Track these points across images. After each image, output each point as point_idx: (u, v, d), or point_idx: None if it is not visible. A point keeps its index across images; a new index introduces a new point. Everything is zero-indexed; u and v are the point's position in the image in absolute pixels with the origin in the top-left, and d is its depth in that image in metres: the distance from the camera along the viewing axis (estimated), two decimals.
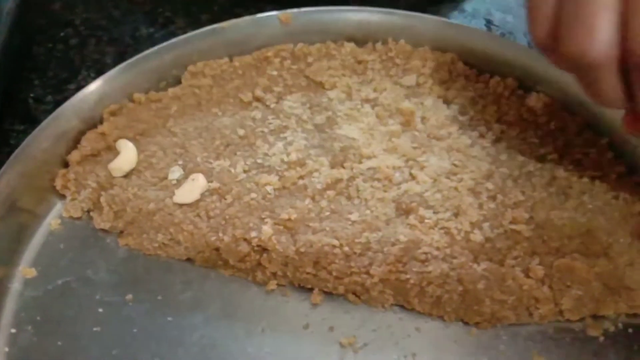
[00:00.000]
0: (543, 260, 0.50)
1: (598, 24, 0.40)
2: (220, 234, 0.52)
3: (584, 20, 0.40)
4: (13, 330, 0.51)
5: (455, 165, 0.55)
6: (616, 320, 0.50)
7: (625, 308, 0.50)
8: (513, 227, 0.51)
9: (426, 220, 0.52)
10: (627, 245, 0.51)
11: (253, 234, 0.52)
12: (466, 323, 0.51)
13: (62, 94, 0.67)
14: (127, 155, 0.57)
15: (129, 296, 0.52)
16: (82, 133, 0.59)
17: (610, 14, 0.40)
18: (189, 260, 0.54)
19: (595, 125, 0.58)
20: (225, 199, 0.54)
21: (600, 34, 0.40)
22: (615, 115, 0.56)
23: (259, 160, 0.56)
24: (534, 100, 0.59)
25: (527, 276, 0.50)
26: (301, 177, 0.55)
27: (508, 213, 0.52)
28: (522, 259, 0.51)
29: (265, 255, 0.52)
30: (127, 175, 0.56)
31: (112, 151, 0.58)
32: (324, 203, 0.53)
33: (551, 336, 0.50)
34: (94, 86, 0.60)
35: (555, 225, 0.52)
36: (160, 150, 0.58)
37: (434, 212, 0.52)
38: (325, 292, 0.52)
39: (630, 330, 0.50)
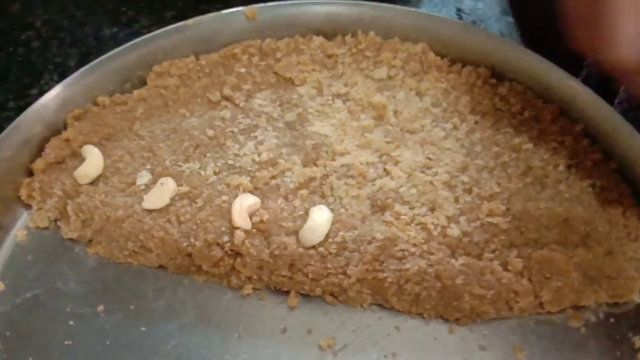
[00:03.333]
0: (521, 252, 0.50)
1: None
2: (192, 240, 0.51)
3: None
4: None
5: (429, 158, 0.54)
6: (597, 311, 0.50)
7: (605, 297, 0.49)
8: (490, 220, 0.51)
9: (402, 217, 0.51)
10: (606, 233, 0.51)
11: (226, 238, 0.50)
12: (446, 320, 0.50)
13: (24, 99, 0.66)
14: (93, 161, 0.55)
15: (101, 307, 0.51)
16: (45, 140, 0.57)
17: None
18: (161, 267, 0.53)
19: (570, 112, 0.57)
20: (196, 203, 0.53)
21: None
22: (589, 101, 0.56)
23: (230, 161, 0.55)
24: (507, 89, 0.58)
25: (506, 269, 0.49)
26: (273, 177, 0.54)
27: (484, 206, 0.51)
28: (500, 252, 0.50)
29: (239, 259, 0.50)
30: (93, 182, 0.55)
31: (78, 158, 0.56)
32: (297, 203, 0.52)
33: (532, 329, 0.49)
34: (56, 91, 0.58)
35: (532, 216, 0.51)
36: (127, 154, 0.56)
37: (410, 208, 0.51)
38: (302, 294, 0.51)
39: (611, 319, 0.50)
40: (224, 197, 0.52)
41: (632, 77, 0.44)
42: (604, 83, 0.76)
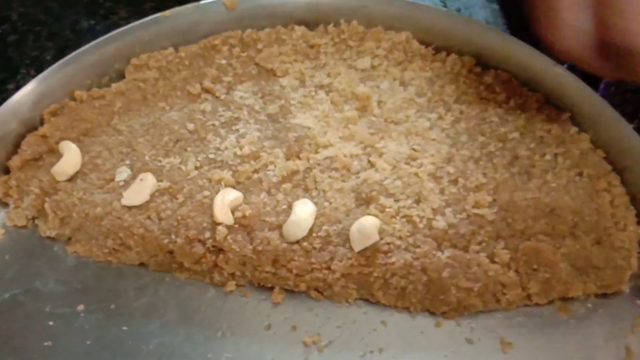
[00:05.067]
0: (508, 243, 0.49)
1: None
2: (173, 236, 0.50)
3: None
4: None
5: (414, 150, 0.53)
6: (586, 302, 0.50)
7: (594, 288, 0.49)
8: (476, 211, 0.50)
9: (387, 210, 0.50)
10: (594, 223, 0.50)
11: (207, 234, 0.49)
12: (433, 313, 0.49)
13: (0, 94, 0.64)
14: (70, 157, 0.54)
15: (81, 306, 0.50)
16: (21, 136, 0.56)
17: None
18: (142, 264, 0.52)
19: (557, 100, 0.56)
20: (177, 199, 0.51)
21: None
22: (576, 89, 0.55)
23: (211, 156, 0.54)
24: (493, 78, 0.57)
25: (493, 261, 0.48)
26: (256, 171, 0.53)
27: (470, 197, 0.50)
28: (487, 243, 0.49)
29: (221, 255, 0.49)
30: (71, 179, 0.54)
31: (55, 154, 0.55)
32: (280, 197, 0.51)
33: (520, 322, 0.49)
34: (32, 86, 0.57)
35: (519, 206, 0.50)
36: (106, 150, 0.55)
37: (395, 200, 0.51)
38: (287, 290, 0.50)
39: (600, 310, 0.49)
40: (206, 192, 0.51)
41: (582, 65, 0.46)
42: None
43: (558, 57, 0.45)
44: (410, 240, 0.49)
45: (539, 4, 0.43)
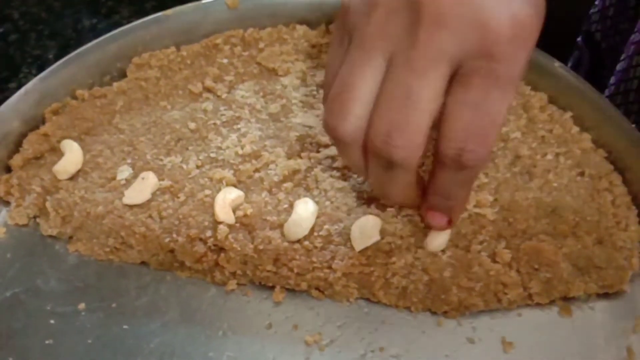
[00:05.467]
0: (509, 243, 0.49)
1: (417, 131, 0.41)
2: (175, 235, 0.50)
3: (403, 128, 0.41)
4: None
5: None
6: (587, 302, 0.49)
7: (595, 288, 0.49)
8: (477, 210, 0.50)
9: (388, 209, 0.50)
10: (596, 223, 0.50)
11: (209, 233, 0.49)
12: (434, 313, 0.49)
13: (2, 93, 0.65)
14: (72, 156, 0.54)
15: (82, 305, 0.50)
16: (23, 135, 0.56)
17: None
18: (143, 263, 0.52)
19: (559, 100, 0.56)
20: (178, 198, 0.51)
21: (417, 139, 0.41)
22: (578, 88, 0.55)
23: (212, 155, 0.54)
24: None
25: (494, 261, 0.48)
26: (257, 170, 0.53)
27: (471, 196, 0.50)
28: (488, 243, 0.49)
29: (222, 254, 0.49)
30: (73, 178, 0.54)
31: (56, 153, 0.55)
32: (281, 196, 0.51)
33: (521, 321, 0.49)
34: (33, 84, 0.57)
35: (520, 206, 0.50)
36: (107, 149, 0.55)
37: None
38: (288, 289, 0.50)
39: (601, 310, 0.49)
40: (207, 191, 0.51)
41: (343, 151, 0.46)
42: (594, 69, 0.76)
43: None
44: (412, 240, 0.49)
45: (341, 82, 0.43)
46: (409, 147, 0.41)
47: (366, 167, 0.45)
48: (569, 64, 0.79)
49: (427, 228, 0.48)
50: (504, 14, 0.38)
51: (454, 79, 0.40)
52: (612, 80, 0.69)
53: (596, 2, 0.77)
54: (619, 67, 0.68)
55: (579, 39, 0.78)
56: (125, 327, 0.49)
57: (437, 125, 0.42)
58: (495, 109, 0.40)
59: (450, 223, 0.47)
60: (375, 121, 0.42)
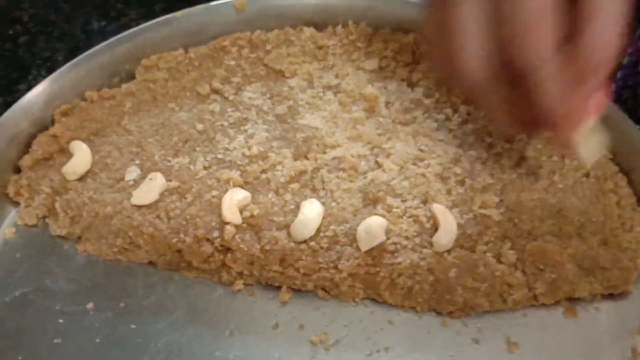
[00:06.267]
0: (515, 244, 0.49)
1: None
2: (182, 235, 0.50)
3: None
4: None
5: (421, 150, 0.53)
6: (592, 302, 0.49)
7: (600, 289, 0.49)
8: (483, 211, 0.50)
9: (394, 210, 0.50)
10: (600, 224, 0.50)
11: (216, 233, 0.50)
12: (439, 313, 0.49)
13: (12, 95, 0.65)
14: (80, 157, 0.54)
15: (90, 304, 0.50)
16: (32, 136, 0.57)
17: None
18: (150, 263, 0.52)
19: None
20: (186, 198, 0.52)
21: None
22: None
23: (220, 156, 0.54)
24: None
25: (499, 262, 0.48)
26: (264, 171, 0.53)
27: (477, 197, 0.51)
28: (494, 244, 0.49)
29: (229, 255, 0.50)
30: (82, 178, 0.54)
31: (65, 154, 0.55)
32: (288, 197, 0.51)
33: (526, 322, 0.49)
34: (43, 86, 0.57)
35: (525, 207, 0.50)
36: (116, 150, 0.55)
37: (402, 201, 0.51)
38: (294, 289, 0.50)
39: (606, 311, 0.49)
40: (214, 192, 0.52)
41: (481, 96, 0.46)
42: None
43: (459, 85, 0.46)
44: (417, 240, 0.49)
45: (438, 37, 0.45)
46: (543, 51, 0.41)
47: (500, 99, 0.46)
48: None
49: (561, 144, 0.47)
50: None
51: None
52: (619, 74, 0.69)
53: None
54: (625, 61, 0.68)
55: None
56: (132, 326, 0.49)
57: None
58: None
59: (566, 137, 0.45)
60: (501, 40, 0.43)
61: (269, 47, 0.61)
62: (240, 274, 0.51)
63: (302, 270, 0.49)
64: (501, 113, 0.47)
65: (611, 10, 0.40)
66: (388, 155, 0.53)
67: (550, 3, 0.40)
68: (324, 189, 0.52)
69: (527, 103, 0.44)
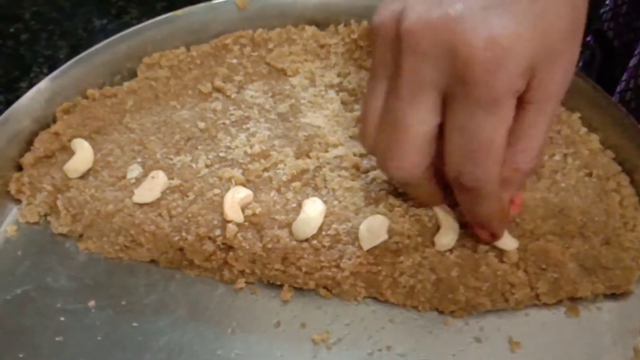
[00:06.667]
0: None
1: (407, 153, 0.43)
2: (184, 234, 0.50)
3: (395, 151, 0.43)
4: None
5: None
6: (594, 302, 0.49)
7: (602, 289, 0.49)
8: None
9: (396, 209, 0.50)
10: (603, 223, 0.50)
11: (217, 231, 0.50)
12: (441, 312, 0.49)
13: (14, 92, 0.65)
14: (82, 155, 0.54)
15: (91, 302, 0.50)
16: (34, 134, 0.57)
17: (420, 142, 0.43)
18: (152, 261, 0.52)
19: (567, 101, 0.56)
20: (188, 196, 0.52)
21: (409, 161, 0.43)
22: (586, 89, 0.55)
23: (222, 154, 0.54)
24: None
25: (501, 261, 0.48)
26: (266, 169, 0.53)
27: None
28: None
29: (231, 253, 0.50)
30: (83, 176, 0.54)
31: (67, 151, 0.55)
32: (290, 195, 0.51)
33: (528, 321, 0.49)
34: (45, 84, 0.57)
35: (528, 206, 0.50)
36: (118, 148, 0.55)
37: (404, 200, 0.51)
38: (296, 288, 0.50)
39: (608, 311, 0.49)
40: (216, 190, 0.52)
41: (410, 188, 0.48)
42: (606, 68, 0.76)
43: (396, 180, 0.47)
44: (419, 239, 0.49)
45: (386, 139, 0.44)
46: (404, 167, 0.43)
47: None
48: (580, 64, 0.79)
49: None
50: (479, 37, 0.37)
51: (445, 103, 0.41)
52: (625, 76, 0.69)
53: (607, 2, 0.77)
54: (631, 62, 0.68)
55: (588, 38, 0.78)
56: (134, 324, 0.49)
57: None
58: (483, 130, 0.40)
59: (494, 237, 0.47)
60: (375, 146, 0.45)
61: (271, 45, 0.61)
62: (242, 272, 0.50)
63: (304, 269, 0.49)
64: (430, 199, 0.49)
65: (539, 130, 0.42)
66: None
67: (504, 132, 0.41)
68: (326, 187, 0.52)
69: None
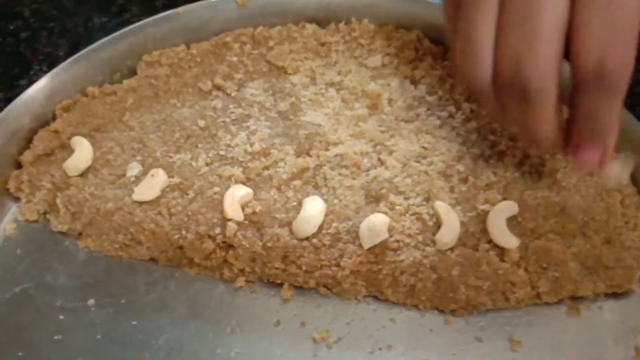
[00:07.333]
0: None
1: (545, 48, 0.39)
2: (184, 232, 0.50)
3: (529, 49, 0.40)
4: None
5: (424, 148, 0.53)
6: (595, 301, 0.49)
7: (603, 288, 0.49)
8: (486, 209, 0.50)
9: (397, 207, 0.50)
10: (604, 222, 0.50)
11: (217, 230, 0.49)
12: (442, 311, 0.49)
13: (13, 90, 0.64)
14: (82, 153, 0.54)
15: (91, 301, 0.50)
16: (34, 132, 0.56)
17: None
18: (152, 260, 0.52)
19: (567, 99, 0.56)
20: (187, 195, 0.52)
21: (546, 56, 0.40)
22: None
23: (222, 152, 0.54)
24: None
25: (502, 260, 0.48)
26: (266, 168, 0.53)
27: (480, 195, 0.50)
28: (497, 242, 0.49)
29: (231, 251, 0.50)
30: (83, 174, 0.54)
31: (67, 149, 0.55)
32: (290, 193, 0.51)
33: (529, 320, 0.49)
34: (44, 82, 0.57)
35: (529, 205, 0.50)
36: (117, 146, 0.55)
37: (405, 198, 0.51)
38: (296, 287, 0.50)
39: (609, 310, 0.49)
40: (216, 189, 0.51)
41: (481, 97, 0.45)
42: None
43: (466, 85, 0.45)
44: (420, 238, 0.49)
45: (459, 33, 0.43)
46: (542, 76, 0.40)
47: (504, 108, 0.44)
48: None
49: (580, 167, 0.46)
50: None
51: None
52: None
53: None
54: None
55: None
56: (134, 322, 0.49)
57: (570, 48, 0.40)
58: (627, 3, 0.37)
59: (604, 156, 0.44)
60: (500, 55, 0.40)
61: (271, 43, 0.61)
62: (242, 270, 0.50)
63: (304, 268, 0.49)
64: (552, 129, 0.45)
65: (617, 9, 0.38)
66: (391, 153, 0.53)
67: (561, 19, 0.38)
68: (326, 186, 0.52)
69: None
